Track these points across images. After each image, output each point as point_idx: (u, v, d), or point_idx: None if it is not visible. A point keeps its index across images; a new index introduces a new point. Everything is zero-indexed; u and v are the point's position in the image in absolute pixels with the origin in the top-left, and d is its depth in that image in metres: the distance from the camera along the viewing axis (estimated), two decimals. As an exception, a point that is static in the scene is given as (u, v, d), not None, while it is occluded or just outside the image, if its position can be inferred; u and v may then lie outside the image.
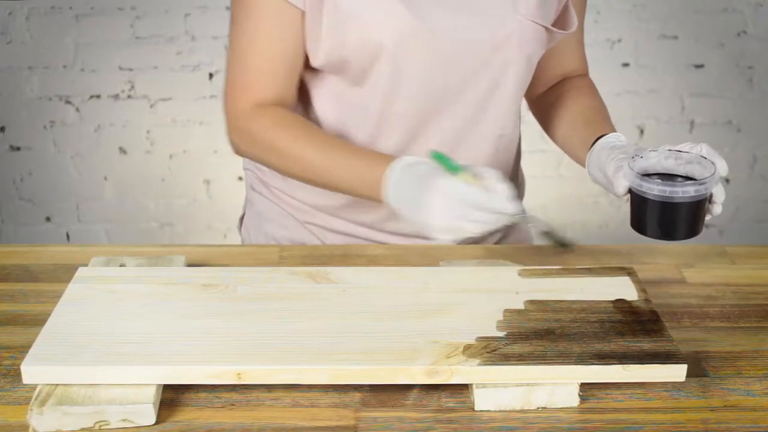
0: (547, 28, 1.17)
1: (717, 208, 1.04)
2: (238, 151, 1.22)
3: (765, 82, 2.55)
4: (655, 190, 1.00)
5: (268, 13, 1.14)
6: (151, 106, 2.51)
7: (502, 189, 1.02)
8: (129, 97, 2.50)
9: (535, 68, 1.24)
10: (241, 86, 1.18)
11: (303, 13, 1.13)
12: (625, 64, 2.52)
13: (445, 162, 1.04)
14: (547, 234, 1.08)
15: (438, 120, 1.19)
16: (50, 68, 2.45)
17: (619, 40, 2.49)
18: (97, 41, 2.43)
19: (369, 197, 1.11)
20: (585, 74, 1.34)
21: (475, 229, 1.02)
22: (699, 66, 2.54)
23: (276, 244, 1.33)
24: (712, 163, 1.01)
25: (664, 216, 1.01)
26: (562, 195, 2.62)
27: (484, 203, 1.00)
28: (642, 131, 2.60)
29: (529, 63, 1.20)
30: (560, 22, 1.21)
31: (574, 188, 2.63)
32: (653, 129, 2.60)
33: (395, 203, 1.07)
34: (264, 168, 1.32)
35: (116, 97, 2.50)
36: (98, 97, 2.50)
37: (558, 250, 1.08)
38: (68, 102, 2.50)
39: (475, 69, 1.16)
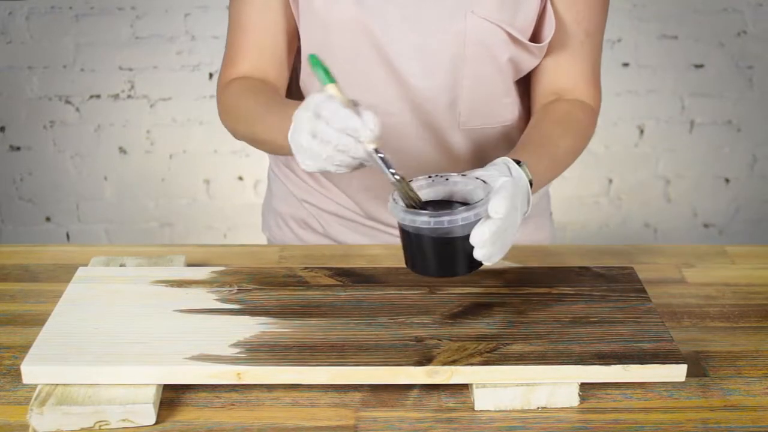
0: (510, 34, 1.12)
1: (477, 252, 0.88)
2: (224, 124, 1.19)
3: (765, 82, 2.55)
4: (399, 217, 0.90)
5: None
6: (151, 106, 2.51)
7: (369, 117, 0.87)
8: (129, 97, 2.50)
9: (530, 81, 1.22)
10: (226, 61, 1.20)
11: None
12: (625, 64, 2.52)
13: (317, 71, 0.90)
14: (399, 185, 0.90)
15: (415, 112, 1.17)
16: (50, 68, 2.45)
17: (619, 40, 2.49)
18: (97, 41, 2.43)
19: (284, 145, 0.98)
20: (582, 99, 1.19)
21: (323, 152, 0.88)
22: (699, 66, 2.54)
23: (281, 221, 1.37)
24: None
25: (411, 248, 0.93)
26: (562, 195, 2.61)
27: (335, 120, 0.87)
28: (642, 131, 2.60)
29: (494, 62, 1.15)
30: (536, 30, 1.16)
31: (574, 188, 2.63)
32: (653, 129, 2.60)
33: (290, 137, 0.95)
34: None
35: (116, 97, 2.50)
36: (98, 97, 2.50)
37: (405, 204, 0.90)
38: (68, 102, 2.50)
39: (430, 66, 1.14)
